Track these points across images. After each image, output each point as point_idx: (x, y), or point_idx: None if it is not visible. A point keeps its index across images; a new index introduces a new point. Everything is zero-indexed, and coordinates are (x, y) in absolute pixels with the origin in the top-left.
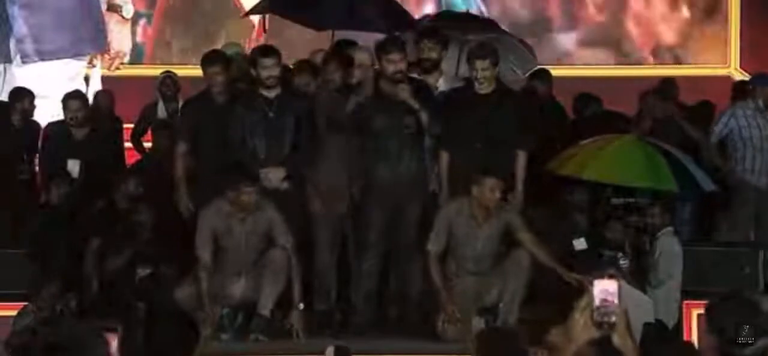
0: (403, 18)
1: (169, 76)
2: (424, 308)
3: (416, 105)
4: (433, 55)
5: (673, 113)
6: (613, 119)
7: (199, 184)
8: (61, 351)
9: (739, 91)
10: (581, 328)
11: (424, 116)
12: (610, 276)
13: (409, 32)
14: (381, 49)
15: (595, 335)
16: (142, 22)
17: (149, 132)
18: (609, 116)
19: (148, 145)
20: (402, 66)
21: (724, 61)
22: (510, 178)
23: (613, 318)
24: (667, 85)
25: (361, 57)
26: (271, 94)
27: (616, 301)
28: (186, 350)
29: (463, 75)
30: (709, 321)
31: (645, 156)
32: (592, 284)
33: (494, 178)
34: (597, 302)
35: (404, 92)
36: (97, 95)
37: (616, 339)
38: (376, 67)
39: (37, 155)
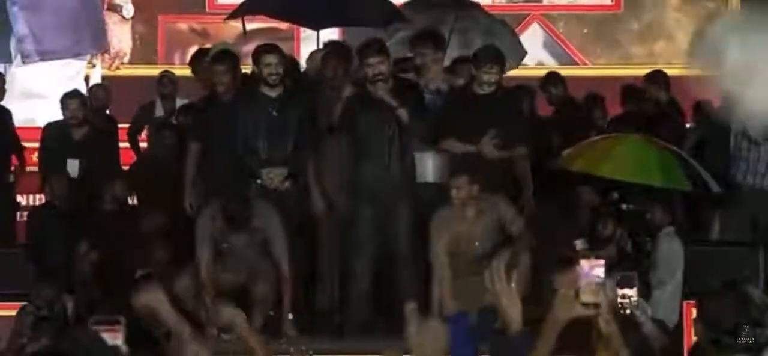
0: (394, 12)
1: (166, 75)
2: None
3: (394, 103)
4: (427, 59)
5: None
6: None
7: (206, 183)
8: None
9: None
10: (566, 307)
11: (403, 114)
12: (597, 256)
13: (405, 31)
14: (360, 53)
15: (579, 314)
16: None
17: (145, 131)
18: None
19: (144, 145)
20: (382, 68)
21: None
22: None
23: (600, 298)
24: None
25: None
26: (274, 92)
27: (601, 280)
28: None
29: (452, 57)
30: (700, 313)
31: (657, 155)
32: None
33: (465, 176)
34: (582, 281)
35: (381, 90)
36: (92, 88)
37: (601, 322)
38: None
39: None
